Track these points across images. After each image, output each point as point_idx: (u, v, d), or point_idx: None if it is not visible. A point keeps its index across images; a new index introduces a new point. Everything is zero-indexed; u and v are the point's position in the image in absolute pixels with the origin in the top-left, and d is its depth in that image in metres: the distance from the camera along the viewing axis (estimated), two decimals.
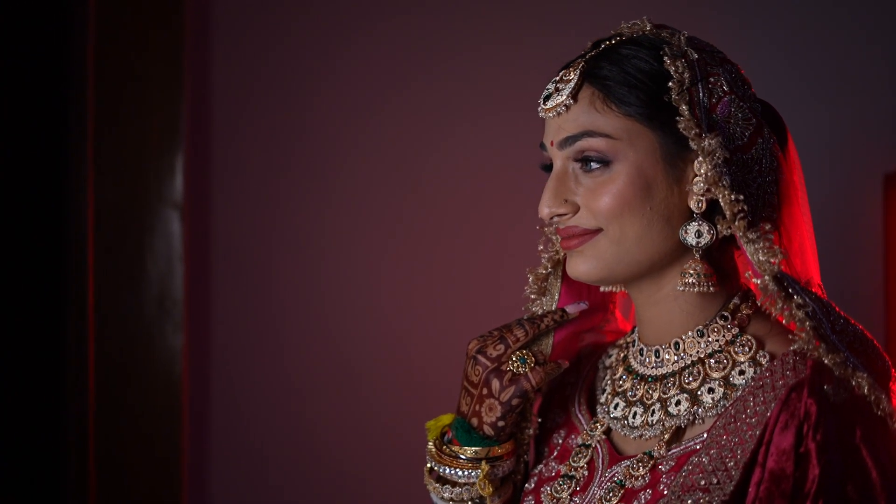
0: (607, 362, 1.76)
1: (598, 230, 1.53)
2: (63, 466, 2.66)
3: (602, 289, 1.73)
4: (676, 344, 1.58)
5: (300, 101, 2.85)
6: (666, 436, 1.54)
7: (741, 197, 1.49)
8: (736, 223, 1.49)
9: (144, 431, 2.74)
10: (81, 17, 2.61)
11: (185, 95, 2.74)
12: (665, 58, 1.51)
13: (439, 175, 2.81)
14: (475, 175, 2.80)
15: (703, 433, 1.51)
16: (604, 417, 1.66)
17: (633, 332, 1.71)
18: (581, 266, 1.55)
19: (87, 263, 2.68)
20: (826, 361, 1.44)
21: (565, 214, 1.55)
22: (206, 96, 2.83)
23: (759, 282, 1.48)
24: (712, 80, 1.52)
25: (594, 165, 1.52)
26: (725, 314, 1.57)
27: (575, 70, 1.55)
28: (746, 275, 1.54)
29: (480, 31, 2.81)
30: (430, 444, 1.69)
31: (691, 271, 1.52)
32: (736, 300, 1.58)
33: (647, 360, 1.61)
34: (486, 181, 2.81)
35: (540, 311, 1.73)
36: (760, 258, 1.47)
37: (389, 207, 2.83)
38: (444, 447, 1.67)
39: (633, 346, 1.66)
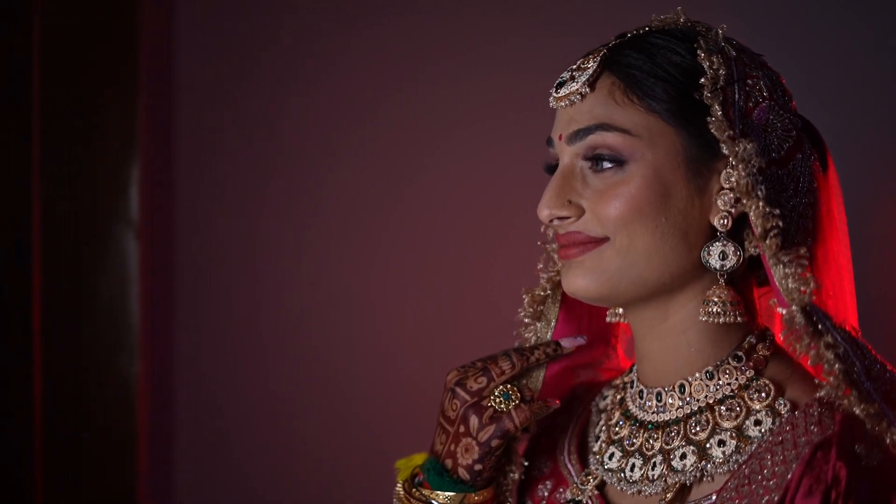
0: (602, 405, 1.65)
1: (604, 239, 1.43)
2: None
3: (607, 319, 1.63)
4: (682, 386, 1.47)
5: (268, 109, 2.81)
6: (668, 495, 1.43)
7: (777, 211, 1.38)
8: (768, 241, 1.37)
9: (98, 472, 2.65)
10: (26, 14, 2.56)
11: (140, 99, 2.67)
12: (699, 52, 1.43)
13: (424, 187, 2.78)
14: (467, 182, 2.77)
15: (711, 494, 1.41)
16: (597, 469, 1.55)
17: (631, 370, 1.59)
18: (579, 279, 1.45)
19: (32, 286, 2.58)
20: (857, 412, 1.32)
21: (568, 218, 1.44)
22: (166, 101, 2.77)
23: (784, 312, 1.37)
24: (750, 82, 1.44)
25: (606, 165, 1.43)
26: (739, 354, 1.46)
27: (595, 57, 1.46)
28: (771, 302, 1.44)
29: (473, 32, 2.77)
30: (399, 486, 1.59)
31: (716, 298, 1.43)
32: (752, 338, 1.47)
33: (648, 403, 1.51)
34: (481, 188, 2.77)
35: (533, 339, 1.64)
36: (790, 285, 1.36)
37: (367, 221, 2.80)
38: (415, 490, 1.57)
39: (632, 386, 1.56)
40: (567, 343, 1.59)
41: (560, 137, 1.46)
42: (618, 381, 1.63)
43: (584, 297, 1.46)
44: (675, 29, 1.46)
